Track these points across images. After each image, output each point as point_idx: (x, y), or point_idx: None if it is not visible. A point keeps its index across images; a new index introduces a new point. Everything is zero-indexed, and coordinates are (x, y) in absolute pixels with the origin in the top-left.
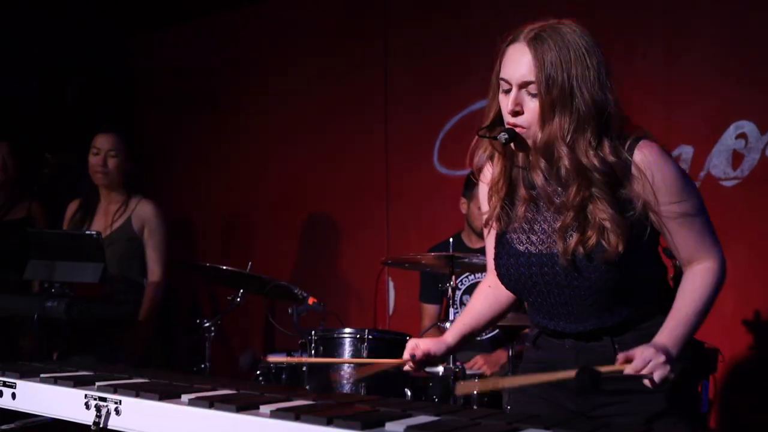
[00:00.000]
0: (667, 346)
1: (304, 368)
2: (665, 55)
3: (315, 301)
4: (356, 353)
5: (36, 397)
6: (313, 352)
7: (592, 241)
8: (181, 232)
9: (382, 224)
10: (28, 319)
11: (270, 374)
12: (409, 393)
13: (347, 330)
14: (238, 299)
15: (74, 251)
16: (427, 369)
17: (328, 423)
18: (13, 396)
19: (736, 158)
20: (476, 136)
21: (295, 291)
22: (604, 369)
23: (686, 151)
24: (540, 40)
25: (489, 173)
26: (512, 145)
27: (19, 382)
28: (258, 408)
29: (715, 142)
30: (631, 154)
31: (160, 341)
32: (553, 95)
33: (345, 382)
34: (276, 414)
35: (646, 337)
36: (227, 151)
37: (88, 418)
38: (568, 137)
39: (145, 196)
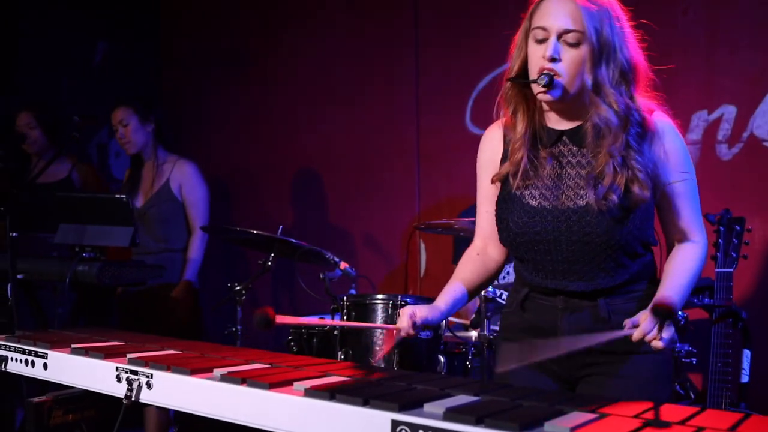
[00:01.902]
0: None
1: (336, 332)
2: (707, 12)
3: (347, 266)
4: (389, 319)
5: (67, 368)
6: (345, 317)
7: (622, 187)
8: (213, 193)
9: (413, 187)
10: (60, 283)
11: (302, 339)
12: (443, 360)
13: (380, 296)
14: (269, 263)
15: (104, 215)
16: (460, 335)
17: (365, 404)
18: (45, 366)
19: None
20: (505, 85)
21: (327, 256)
22: (612, 336)
23: (729, 111)
24: None
25: (491, 138)
26: (545, 90)
27: (51, 353)
28: (292, 385)
29: (760, 101)
30: (656, 123)
31: (192, 305)
32: (599, 44)
33: (378, 348)
34: (310, 393)
35: (632, 301)
36: (256, 112)
37: (119, 391)
38: (609, 87)
39: (182, 157)
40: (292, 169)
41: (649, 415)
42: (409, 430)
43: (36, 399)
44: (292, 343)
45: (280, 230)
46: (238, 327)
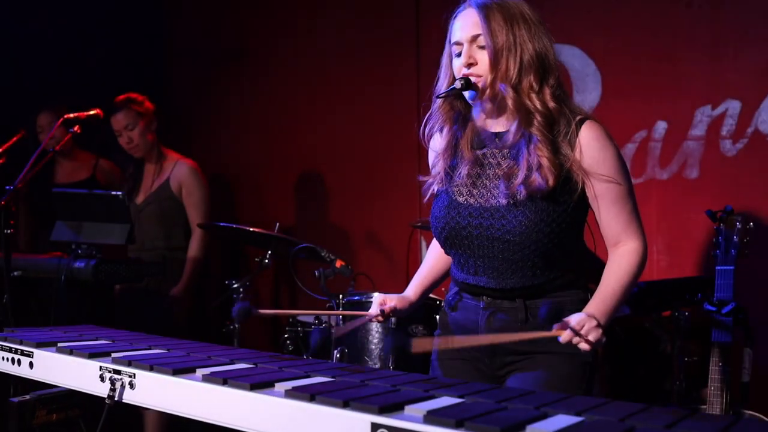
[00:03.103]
0: (596, 315)
1: (333, 331)
2: (712, 4)
3: (343, 264)
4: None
5: (52, 367)
6: (341, 316)
7: (534, 181)
8: (213, 190)
9: (414, 184)
10: (56, 281)
11: (297, 338)
12: None
13: (375, 294)
14: (267, 260)
15: (100, 212)
16: None
17: (344, 406)
18: (31, 365)
19: None
20: (433, 106)
21: (323, 253)
22: (540, 335)
23: (733, 106)
24: (484, 3)
25: (437, 140)
26: (466, 94)
27: (36, 351)
28: (273, 386)
29: (765, 96)
30: (579, 128)
31: (191, 304)
32: (500, 42)
33: (374, 347)
34: (291, 394)
35: (556, 305)
36: (256, 108)
37: (102, 390)
38: (514, 79)
39: (183, 157)
40: (294, 167)
41: (634, 420)
42: None
43: (18, 398)
44: (288, 342)
45: (276, 227)
46: (235, 325)
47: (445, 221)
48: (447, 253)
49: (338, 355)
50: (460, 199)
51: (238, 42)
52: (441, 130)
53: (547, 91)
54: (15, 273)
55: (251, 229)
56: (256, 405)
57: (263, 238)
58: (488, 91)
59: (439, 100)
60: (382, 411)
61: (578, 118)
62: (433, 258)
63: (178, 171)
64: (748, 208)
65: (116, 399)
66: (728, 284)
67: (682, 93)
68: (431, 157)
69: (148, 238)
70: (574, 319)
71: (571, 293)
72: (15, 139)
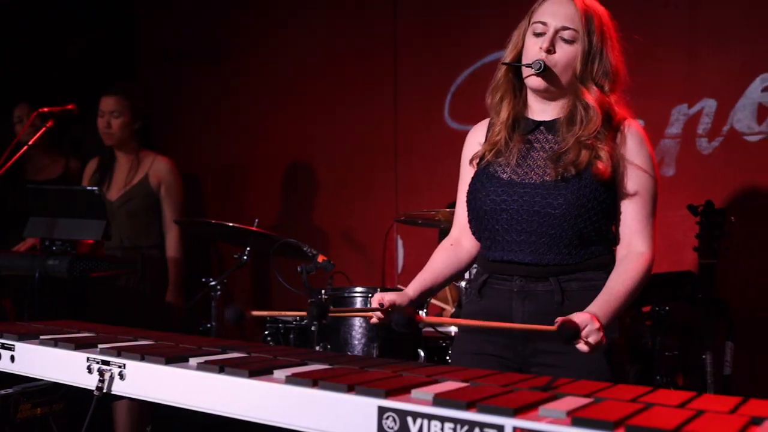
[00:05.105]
0: (599, 315)
1: (313, 328)
2: (690, 4)
3: (325, 259)
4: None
5: (36, 360)
6: None
7: (584, 162)
8: (188, 189)
9: (391, 182)
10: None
11: (279, 334)
12: (422, 354)
13: (358, 288)
14: (245, 257)
15: (75, 208)
16: (440, 329)
17: (349, 390)
18: (12, 359)
19: (761, 112)
20: (497, 74)
21: (305, 249)
22: (542, 329)
23: (709, 105)
24: (584, 1)
25: (475, 134)
26: (536, 76)
27: (18, 344)
28: (272, 373)
29: (740, 95)
30: (624, 123)
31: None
32: (591, 45)
33: (357, 342)
34: (291, 380)
35: (587, 290)
36: (231, 107)
37: (90, 382)
38: (592, 84)
39: (159, 153)
40: (269, 165)
41: (646, 399)
42: (397, 417)
43: (1, 392)
44: (268, 339)
45: (255, 223)
46: (213, 323)
47: (483, 196)
48: (479, 234)
49: (320, 350)
50: (504, 176)
51: (212, 40)
52: (502, 102)
53: (613, 98)
54: None
55: (231, 224)
56: (255, 392)
57: (242, 234)
58: (560, 85)
59: (501, 72)
60: (389, 395)
61: (625, 116)
62: (441, 262)
63: (157, 168)
64: (724, 205)
65: (105, 391)
66: (711, 278)
67: (658, 92)
68: (469, 145)
69: (126, 236)
70: (578, 318)
71: (603, 276)
72: None
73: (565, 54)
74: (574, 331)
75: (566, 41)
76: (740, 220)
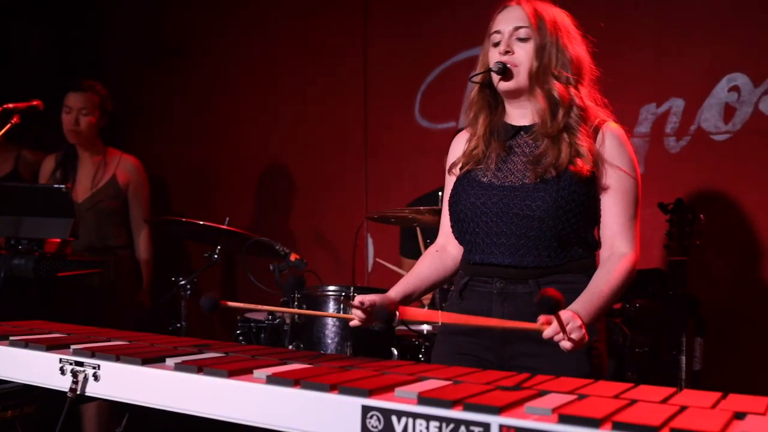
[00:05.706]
0: (581, 313)
1: (286, 327)
2: (658, 5)
3: (297, 257)
4: (340, 311)
5: (6, 361)
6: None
7: (565, 162)
8: (154, 188)
9: (361, 180)
10: None
11: (250, 333)
12: (395, 352)
13: (331, 287)
14: (216, 256)
15: (43, 206)
16: (413, 327)
17: (332, 389)
18: None
19: (728, 112)
20: (470, 93)
21: (277, 247)
22: (525, 326)
23: (677, 104)
24: (532, 2)
25: (459, 141)
26: (501, 79)
27: None
28: (251, 373)
29: (707, 95)
30: (603, 125)
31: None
32: (545, 36)
33: (330, 341)
34: (272, 380)
35: (567, 292)
36: (198, 105)
37: (63, 384)
38: (556, 72)
39: (124, 153)
40: (239, 164)
41: (629, 395)
42: (382, 416)
43: None
44: (240, 338)
45: (227, 221)
46: (182, 323)
47: (465, 200)
48: (461, 238)
49: (296, 350)
50: (484, 180)
51: (177, 36)
52: (477, 118)
53: (583, 91)
54: None
55: (201, 223)
56: (235, 392)
57: (213, 232)
58: (526, 84)
59: (474, 90)
60: (373, 393)
61: (604, 119)
62: (426, 267)
63: (125, 167)
64: (692, 203)
65: (79, 392)
66: (681, 275)
67: (627, 91)
68: (453, 151)
69: (96, 237)
70: (561, 315)
71: (583, 279)
72: None
73: (523, 51)
74: (555, 301)
75: (522, 40)
76: (707, 218)
